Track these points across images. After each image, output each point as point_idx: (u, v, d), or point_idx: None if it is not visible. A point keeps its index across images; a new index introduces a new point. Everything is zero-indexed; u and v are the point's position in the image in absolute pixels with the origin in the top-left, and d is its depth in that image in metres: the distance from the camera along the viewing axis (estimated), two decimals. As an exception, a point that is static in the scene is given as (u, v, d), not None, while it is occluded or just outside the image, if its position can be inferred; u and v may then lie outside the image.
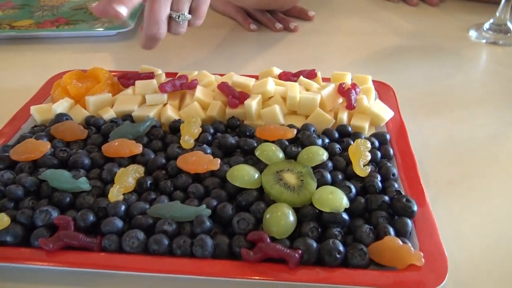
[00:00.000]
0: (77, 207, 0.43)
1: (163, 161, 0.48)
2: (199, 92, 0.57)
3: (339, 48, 0.82)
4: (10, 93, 0.68)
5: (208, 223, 0.41)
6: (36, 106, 0.58)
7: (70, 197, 0.44)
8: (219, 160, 0.47)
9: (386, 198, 0.43)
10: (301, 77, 0.60)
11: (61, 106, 0.56)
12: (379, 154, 0.49)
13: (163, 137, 0.53)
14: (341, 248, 0.38)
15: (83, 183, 0.44)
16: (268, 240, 0.39)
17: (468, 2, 0.99)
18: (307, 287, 0.38)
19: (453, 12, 0.95)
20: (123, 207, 0.42)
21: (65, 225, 0.40)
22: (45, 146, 0.48)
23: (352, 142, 0.50)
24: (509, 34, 0.82)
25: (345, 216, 0.41)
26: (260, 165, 0.47)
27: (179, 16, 0.59)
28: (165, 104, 0.57)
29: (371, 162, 0.48)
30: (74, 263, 0.39)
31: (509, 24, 0.83)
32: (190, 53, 0.80)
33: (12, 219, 0.41)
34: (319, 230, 0.41)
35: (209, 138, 0.52)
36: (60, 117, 0.54)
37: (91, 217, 0.41)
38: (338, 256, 0.38)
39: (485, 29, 0.84)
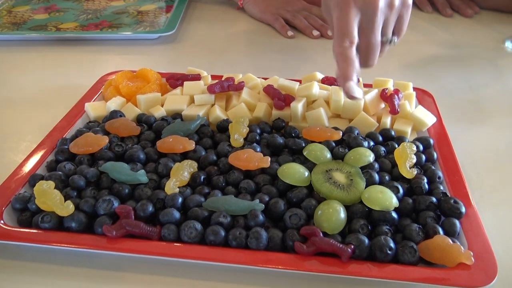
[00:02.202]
0: (136, 198, 0.46)
1: (214, 157, 0.50)
2: (245, 93, 0.60)
3: (376, 55, 0.84)
4: (60, 91, 0.72)
5: (261, 217, 0.43)
6: (90, 103, 0.61)
7: (129, 188, 0.46)
8: (269, 158, 0.48)
9: (434, 199, 0.44)
10: (344, 82, 0.62)
11: (114, 103, 0.59)
12: (423, 157, 0.51)
13: (212, 135, 0.55)
14: (392, 244, 0.40)
15: (142, 176, 0.46)
16: (321, 234, 0.40)
17: (503, 14, 0.99)
18: (358, 281, 0.40)
19: (489, 23, 0.96)
20: (180, 199, 0.44)
21: (126, 214, 0.43)
22: (103, 140, 0.51)
23: (396, 146, 0.51)
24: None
25: (394, 214, 0.43)
26: (307, 164, 0.49)
27: (391, 41, 0.55)
28: (213, 105, 0.59)
29: (416, 165, 0.49)
30: (136, 250, 0.41)
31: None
32: (230, 58, 0.83)
33: (76, 207, 0.44)
34: (369, 227, 0.42)
35: (257, 138, 0.53)
36: (115, 114, 0.57)
37: (150, 208, 0.44)
38: (389, 252, 0.39)
39: (521, 40, 0.85)
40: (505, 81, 0.75)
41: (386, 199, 0.43)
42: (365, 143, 0.51)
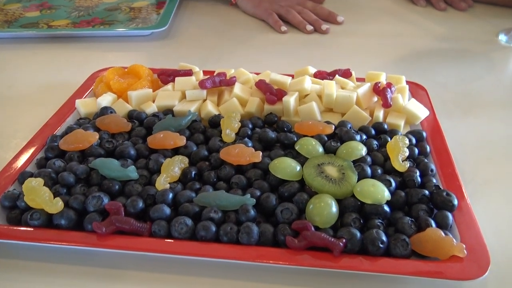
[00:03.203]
0: (126, 194, 0.45)
1: (206, 153, 0.50)
2: (237, 88, 0.59)
3: (369, 49, 0.84)
4: (52, 88, 0.71)
5: (252, 212, 0.42)
6: (81, 100, 0.60)
7: (119, 185, 0.46)
8: (261, 153, 0.48)
9: (426, 192, 0.44)
10: (337, 76, 0.62)
11: (105, 100, 0.59)
12: (416, 150, 0.50)
13: (203, 130, 0.54)
14: (384, 238, 0.39)
15: (132, 172, 0.46)
16: (313, 229, 0.40)
17: (497, 7, 0.99)
18: (350, 275, 0.40)
19: (482, 16, 0.96)
20: (170, 195, 0.44)
21: (116, 211, 0.42)
22: (93, 137, 0.50)
23: (389, 139, 0.51)
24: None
25: (386, 208, 0.42)
26: (299, 159, 0.48)
27: None
28: (204, 100, 0.59)
29: (408, 158, 0.49)
30: (126, 246, 0.40)
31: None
32: (223, 53, 0.82)
33: (65, 204, 0.43)
34: (361, 221, 0.42)
35: (249, 133, 0.53)
36: (105, 110, 0.56)
37: (141, 204, 0.43)
38: (381, 245, 0.39)
39: (515, 33, 0.85)
40: (498, 74, 0.75)
41: (378, 192, 0.42)
42: (358, 137, 0.51)
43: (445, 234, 0.40)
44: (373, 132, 0.54)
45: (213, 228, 0.41)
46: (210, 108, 0.57)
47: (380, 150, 0.51)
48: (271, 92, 0.57)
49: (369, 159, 0.48)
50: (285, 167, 0.46)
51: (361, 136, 0.51)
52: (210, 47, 0.85)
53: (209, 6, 1.04)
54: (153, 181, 0.46)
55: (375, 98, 0.58)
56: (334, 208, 0.42)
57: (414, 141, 0.52)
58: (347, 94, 0.56)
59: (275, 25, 0.90)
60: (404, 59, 0.80)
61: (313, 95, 0.58)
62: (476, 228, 0.41)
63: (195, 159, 0.49)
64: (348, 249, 0.39)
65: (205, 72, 0.65)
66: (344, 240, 0.39)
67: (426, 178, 0.47)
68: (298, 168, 0.46)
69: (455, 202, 0.43)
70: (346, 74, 0.63)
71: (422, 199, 0.44)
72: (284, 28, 0.89)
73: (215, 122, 0.55)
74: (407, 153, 0.48)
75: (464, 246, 0.39)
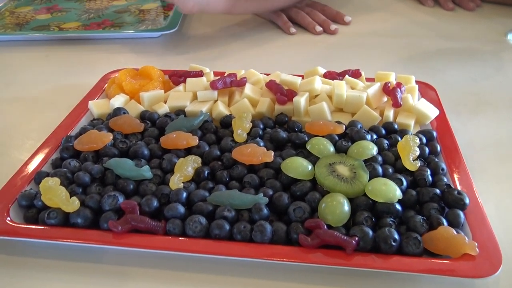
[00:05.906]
0: (141, 193, 0.46)
1: (218, 153, 0.51)
2: (248, 89, 0.60)
3: (378, 50, 0.84)
4: (64, 90, 0.72)
5: (265, 211, 0.43)
6: (94, 101, 0.61)
7: (134, 184, 0.46)
8: (273, 152, 0.49)
9: (438, 190, 0.44)
10: (347, 76, 0.62)
11: (118, 101, 0.60)
12: (427, 149, 0.51)
13: (215, 131, 0.55)
14: (396, 236, 0.40)
15: (146, 171, 0.47)
16: (325, 227, 0.41)
17: (505, 7, 0.99)
18: (363, 272, 0.40)
19: (491, 16, 0.96)
20: (184, 194, 0.45)
21: (131, 210, 0.43)
22: (107, 137, 0.51)
23: (399, 139, 0.51)
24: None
25: (398, 206, 0.43)
26: (311, 158, 0.49)
27: None
28: (215, 101, 0.60)
29: (419, 157, 0.49)
30: (141, 244, 0.41)
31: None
32: (233, 55, 0.83)
33: (81, 203, 0.44)
34: (373, 219, 0.42)
35: (260, 133, 0.54)
36: (118, 111, 0.57)
37: (155, 203, 0.44)
38: (393, 244, 0.39)
39: (524, 33, 0.85)
40: (507, 73, 0.75)
41: (390, 191, 0.43)
42: (368, 136, 0.51)
43: (457, 232, 0.40)
44: (383, 131, 0.54)
45: (227, 227, 0.41)
46: (221, 109, 0.58)
47: (390, 150, 0.51)
48: (282, 93, 0.58)
49: (380, 158, 0.49)
50: (297, 166, 0.46)
51: (371, 136, 0.52)
52: (220, 48, 0.86)
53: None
54: (167, 181, 0.47)
55: (385, 98, 0.59)
56: (346, 207, 0.42)
57: (424, 140, 0.52)
58: (357, 94, 0.56)
59: (284, 26, 0.90)
60: (412, 59, 0.80)
61: (323, 95, 0.58)
62: (488, 226, 0.42)
63: (207, 158, 0.50)
64: (361, 247, 0.40)
65: (215, 73, 0.66)
66: (356, 238, 0.40)
67: (437, 177, 0.47)
68: (310, 167, 0.47)
69: (467, 200, 0.43)
70: (356, 74, 0.63)
71: (434, 198, 0.44)
72: (293, 29, 0.89)
73: (226, 123, 0.56)
74: (417, 152, 0.49)
75: (476, 244, 0.39)
